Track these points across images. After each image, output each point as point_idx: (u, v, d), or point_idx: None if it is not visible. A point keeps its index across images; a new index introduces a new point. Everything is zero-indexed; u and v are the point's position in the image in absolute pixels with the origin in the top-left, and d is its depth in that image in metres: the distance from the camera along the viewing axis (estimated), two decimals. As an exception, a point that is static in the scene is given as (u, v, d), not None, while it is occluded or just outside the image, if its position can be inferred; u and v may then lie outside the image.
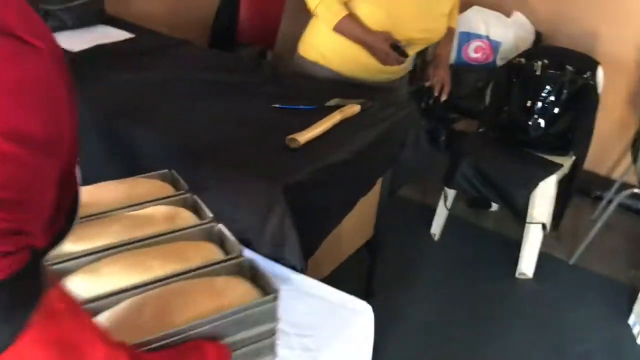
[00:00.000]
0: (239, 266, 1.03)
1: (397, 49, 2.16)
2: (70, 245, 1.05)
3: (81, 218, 1.11)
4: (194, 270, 1.01)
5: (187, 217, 1.15)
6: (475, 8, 3.15)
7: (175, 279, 0.99)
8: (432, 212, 2.91)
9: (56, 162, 0.78)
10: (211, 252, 1.07)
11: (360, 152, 1.82)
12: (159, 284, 0.98)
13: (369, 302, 1.33)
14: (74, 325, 0.77)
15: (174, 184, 1.26)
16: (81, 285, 0.98)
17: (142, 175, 1.27)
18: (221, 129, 1.84)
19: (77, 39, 2.55)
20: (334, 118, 1.88)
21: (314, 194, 1.67)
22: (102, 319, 0.93)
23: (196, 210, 1.18)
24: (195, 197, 1.20)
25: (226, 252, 1.09)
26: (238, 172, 1.62)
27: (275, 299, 0.98)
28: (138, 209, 1.14)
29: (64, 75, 0.80)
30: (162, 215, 1.13)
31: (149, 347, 0.90)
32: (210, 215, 1.14)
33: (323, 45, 2.31)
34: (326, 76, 2.31)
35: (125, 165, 1.81)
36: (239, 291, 0.98)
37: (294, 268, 1.50)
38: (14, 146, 0.69)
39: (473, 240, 2.96)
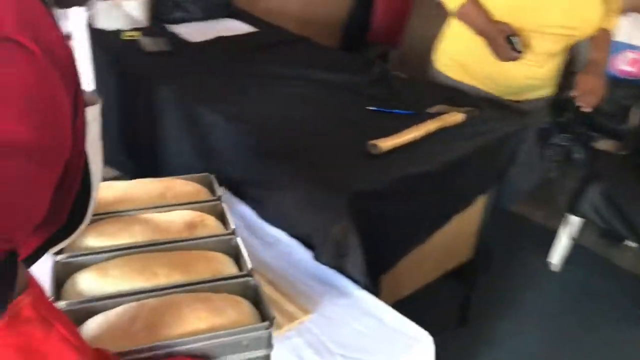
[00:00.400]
0: (244, 286, 0.96)
1: (511, 43, 1.95)
2: (91, 240, 1.05)
3: (109, 213, 1.11)
4: (197, 284, 0.97)
5: (211, 225, 1.12)
6: (631, 15, 2.78)
7: (176, 289, 0.95)
8: (554, 237, 2.63)
9: (52, 169, 0.76)
10: (223, 266, 1.02)
11: (454, 165, 1.67)
12: (159, 292, 0.95)
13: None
14: (43, 334, 0.75)
15: (210, 188, 1.22)
16: (88, 283, 0.98)
17: (181, 176, 1.25)
18: (309, 128, 1.79)
19: (200, 30, 2.63)
20: (430, 126, 1.75)
21: (390, 206, 1.55)
22: (95, 322, 0.91)
23: (223, 219, 1.13)
24: (224, 205, 1.15)
25: (240, 267, 1.02)
26: (310, 174, 1.56)
27: (269, 327, 0.90)
28: (166, 211, 1.11)
29: (69, 81, 0.77)
30: (186, 220, 1.11)
31: (134, 356, 0.86)
32: (233, 226, 1.10)
33: (460, 51, 2.16)
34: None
35: (205, 154, 1.83)
36: (236, 312, 0.92)
37: (356, 282, 1.42)
38: None
39: (599, 276, 2.62)
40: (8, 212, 0.71)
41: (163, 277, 0.97)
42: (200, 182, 1.26)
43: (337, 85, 2.09)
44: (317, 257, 1.44)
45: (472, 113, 1.84)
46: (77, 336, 0.81)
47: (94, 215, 1.11)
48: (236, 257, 1.06)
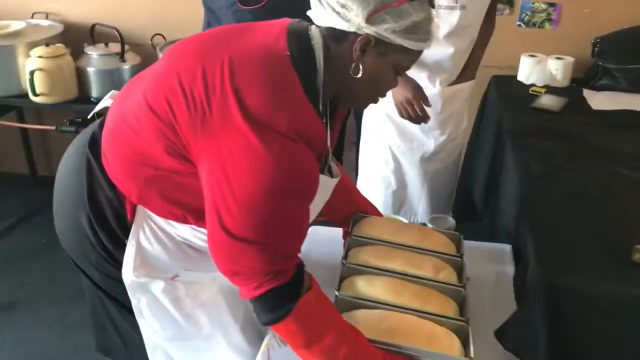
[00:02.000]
0: (460, 327, 1.38)
1: None
2: (367, 255, 1.54)
3: (383, 241, 1.59)
4: (429, 314, 1.40)
5: (450, 275, 1.53)
6: None
7: (413, 312, 1.40)
8: None
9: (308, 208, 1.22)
10: (449, 308, 1.44)
11: None
12: (402, 310, 1.41)
13: None
14: (319, 311, 1.25)
15: (457, 245, 1.63)
16: (360, 286, 1.48)
17: (438, 229, 1.67)
18: (597, 209, 1.79)
19: (615, 100, 2.61)
20: None
21: (623, 331, 1.45)
22: (359, 313, 1.40)
23: (459, 274, 1.54)
24: (464, 263, 1.54)
25: (461, 313, 1.44)
26: (544, 254, 1.57)
27: (467, 361, 1.30)
28: (421, 253, 1.58)
29: (319, 156, 1.22)
30: (433, 264, 1.53)
31: (376, 345, 1.31)
32: (465, 282, 1.49)
33: None
34: None
35: (505, 204, 2.03)
36: (449, 344, 1.34)
37: None
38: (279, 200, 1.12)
39: None
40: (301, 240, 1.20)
41: (407, 300, 1.43)
42: (451, 237, 1.69)
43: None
44: (497, 333, 1.45)
45: None
46: (340, 317, 1.30)
47: (374, 238, 1.61)
48: (460, 305, 1.47)
